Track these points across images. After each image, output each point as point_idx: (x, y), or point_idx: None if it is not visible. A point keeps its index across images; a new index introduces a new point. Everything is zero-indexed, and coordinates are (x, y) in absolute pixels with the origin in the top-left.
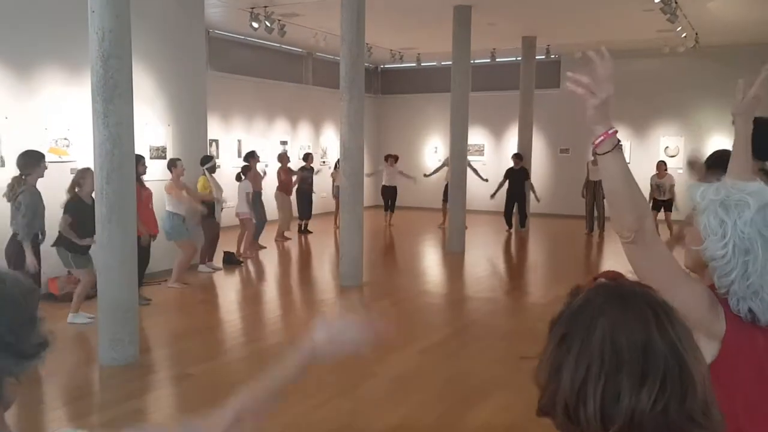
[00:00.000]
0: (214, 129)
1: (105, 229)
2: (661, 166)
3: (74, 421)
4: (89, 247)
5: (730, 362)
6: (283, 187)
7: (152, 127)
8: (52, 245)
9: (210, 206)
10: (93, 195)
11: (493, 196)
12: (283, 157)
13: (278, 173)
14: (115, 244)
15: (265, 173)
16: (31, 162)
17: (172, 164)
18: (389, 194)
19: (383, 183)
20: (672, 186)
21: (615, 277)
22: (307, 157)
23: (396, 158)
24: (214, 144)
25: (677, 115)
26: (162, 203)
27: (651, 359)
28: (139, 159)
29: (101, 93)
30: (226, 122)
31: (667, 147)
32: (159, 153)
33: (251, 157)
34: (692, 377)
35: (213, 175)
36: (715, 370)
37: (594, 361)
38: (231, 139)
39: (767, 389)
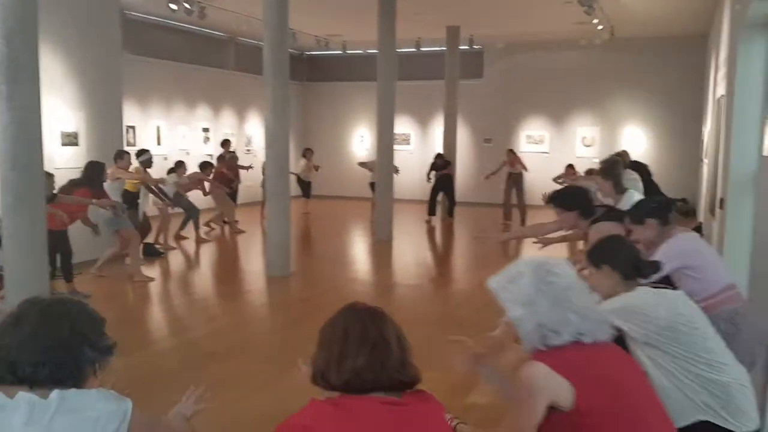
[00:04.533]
0: (131, 115)
1: (11, 219)
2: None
3: None
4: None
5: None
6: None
7: (62, 112)
8: None
9: (132, 199)
10: None
11: (429, 179)
12: (225, 156)
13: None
14: (22, 235)
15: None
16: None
17: (119, 156)
18: (305, 186)
19: (300, 176)
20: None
21: (362, 305)
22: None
23: (312, 152)
24: (130, 131)
25: (593, 105)
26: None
27: (366, 339)
28: (102, 167)
29: (5, 73)
30: (143, 108)
31: (584, 137)
32: (70, 139)
33: (205, 167)
34: (391, 348)
35: (148, 169)
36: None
37: (336, 344)
38: (150, 125)
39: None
